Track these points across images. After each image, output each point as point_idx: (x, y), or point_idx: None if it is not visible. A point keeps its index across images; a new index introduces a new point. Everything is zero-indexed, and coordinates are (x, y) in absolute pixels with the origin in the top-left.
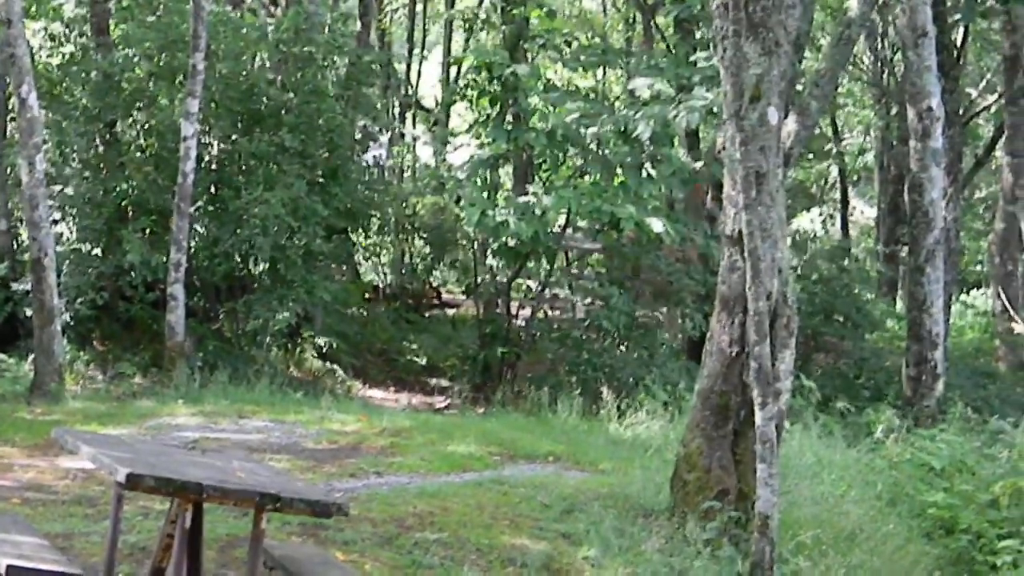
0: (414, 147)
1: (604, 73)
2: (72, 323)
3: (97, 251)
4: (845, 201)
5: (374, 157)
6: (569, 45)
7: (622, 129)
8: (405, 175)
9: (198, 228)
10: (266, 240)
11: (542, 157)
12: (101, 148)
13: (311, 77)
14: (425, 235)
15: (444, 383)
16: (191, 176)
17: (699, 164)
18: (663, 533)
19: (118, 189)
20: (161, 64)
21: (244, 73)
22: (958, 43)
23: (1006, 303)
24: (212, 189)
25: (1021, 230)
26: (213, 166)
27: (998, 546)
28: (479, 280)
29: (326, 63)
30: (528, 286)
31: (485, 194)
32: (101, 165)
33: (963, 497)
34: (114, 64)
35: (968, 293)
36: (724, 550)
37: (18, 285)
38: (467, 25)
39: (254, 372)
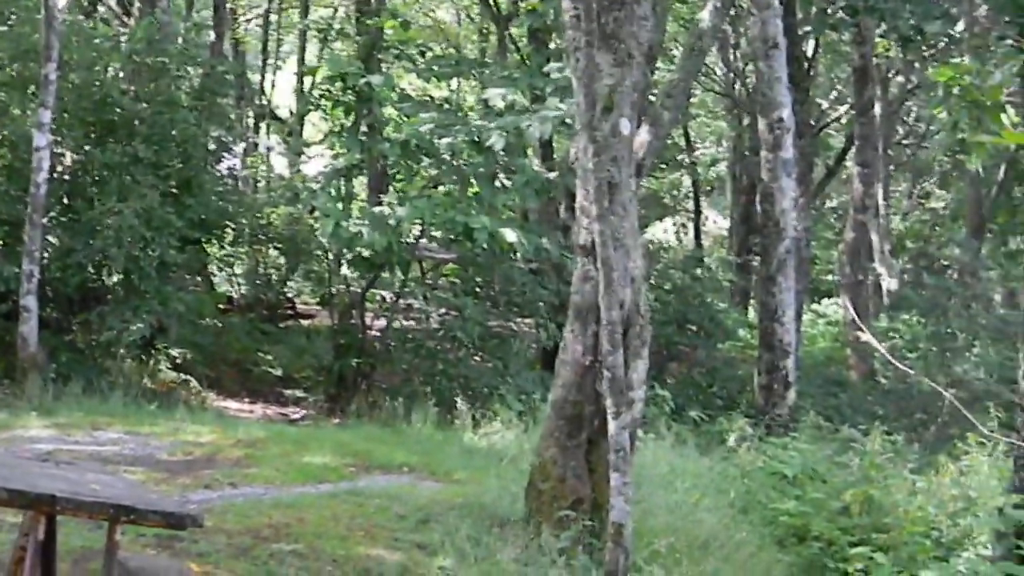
0: (268, 157)
1: (458, 84)
2: None
3: None
4: (698, 211)
5: (228, 168)
6: (423, 55)
7: (476, 139)
8: (259, 185)
9: (51, 239)
10: (120, 251)
11: (396, 167)
12: None
13: (164, 88)
14: (279, 246)
15: (299, 394)
16: (44, 187)
17: (553, 174)
18: (518, 542)
19: None
20: (13, 74)
21: (97, 83)
22: (809, 54)
23: (853, 313)
24: (65, 200)
25: (871, 239)
26: (66, 177)
27: (850, 553)
28: (334, 291)
29: (180, 73)
30: (383, 296)
31: (339, 204)
32: None
33: (815, 505)
34: None
35: (820, 302)
36: (579, 559)
37: None
38: (322, 35)
39: (108, 384)
